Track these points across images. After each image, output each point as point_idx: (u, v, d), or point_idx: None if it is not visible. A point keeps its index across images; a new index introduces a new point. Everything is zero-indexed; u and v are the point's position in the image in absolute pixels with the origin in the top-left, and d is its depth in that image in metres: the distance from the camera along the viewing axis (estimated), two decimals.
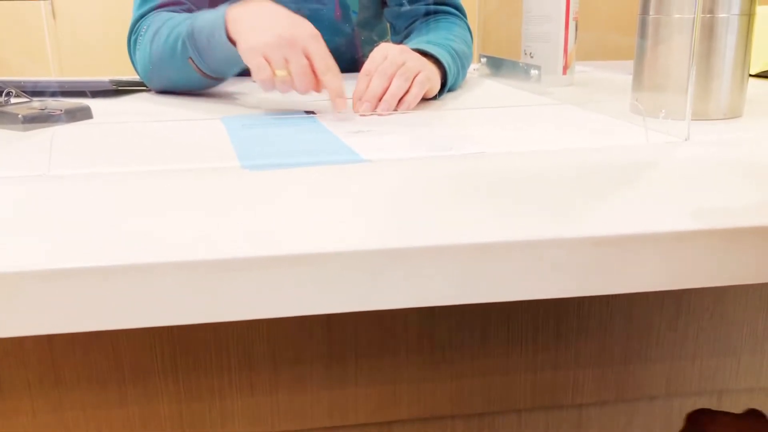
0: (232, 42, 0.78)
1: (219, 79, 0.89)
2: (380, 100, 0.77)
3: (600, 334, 0.65)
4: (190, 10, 0.95)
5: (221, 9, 0.80)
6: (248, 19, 0.77)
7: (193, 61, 0.84)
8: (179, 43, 0.84)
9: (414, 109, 0.79)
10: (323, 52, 0.74)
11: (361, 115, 0.76)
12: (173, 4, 0.94)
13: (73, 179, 0.52)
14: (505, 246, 0.39)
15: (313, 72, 0.74)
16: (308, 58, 0.74)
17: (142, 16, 0.94)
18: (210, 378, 0.61)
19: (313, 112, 0.78)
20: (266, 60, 0.73)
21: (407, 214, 0.43)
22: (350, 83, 0.92)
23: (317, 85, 0.75)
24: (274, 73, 0.73)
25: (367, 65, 0.80)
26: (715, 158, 0.56)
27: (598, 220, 0.41)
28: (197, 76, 0.86)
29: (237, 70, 0.84)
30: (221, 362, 0.61)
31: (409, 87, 0.79)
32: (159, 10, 0.94)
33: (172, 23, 0.87)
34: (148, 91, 0.97)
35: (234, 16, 0.78)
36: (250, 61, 0.74)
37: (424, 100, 0.84)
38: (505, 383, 0.65)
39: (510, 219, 0.42)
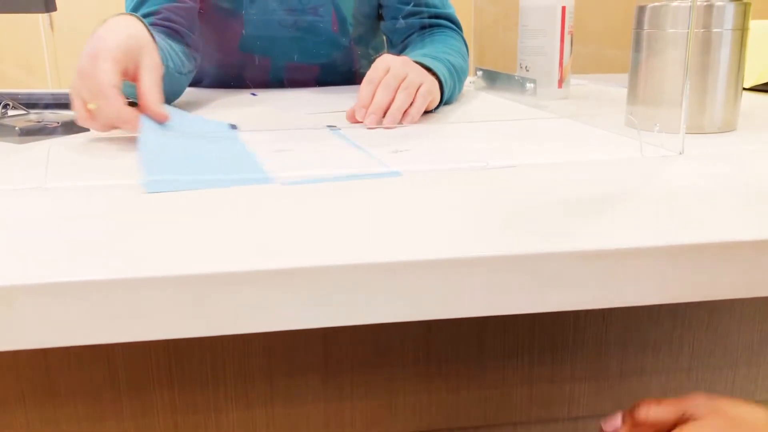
0: None
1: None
2: (385, 113, 0.78)
3: (596, 347, 0.65)
4: (167, 19, 0.94)
5: None
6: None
7: None
8: None
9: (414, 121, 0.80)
10: (97, 74, 0.65)
11: (368, 128, 0.77)
12: (147, 15, 0.94)
13: (69, 192, 0.52)
14: (501, 260, 0.39)
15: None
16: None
17: None
18: (206, 390, 0.61)
19: (336, 126, 0.79)
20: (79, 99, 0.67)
21: (402, 228, 0.43)
22: (347, 96, 0.93)
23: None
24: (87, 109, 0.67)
25: (371, 74, 0.81)
26: (709, 172, 0.56)
27: (593, 234, 0.41)
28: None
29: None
30: (217, 375, 0.61)
31: (413, 100, 0.80)
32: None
33: None
34: None
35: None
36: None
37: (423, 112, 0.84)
38: (502, 396, 0.65)
39: (505, 233, 0.42)
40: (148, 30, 0.75)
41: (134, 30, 0.71)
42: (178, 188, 0.52)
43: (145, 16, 0.94)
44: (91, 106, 0.65)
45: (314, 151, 0.66)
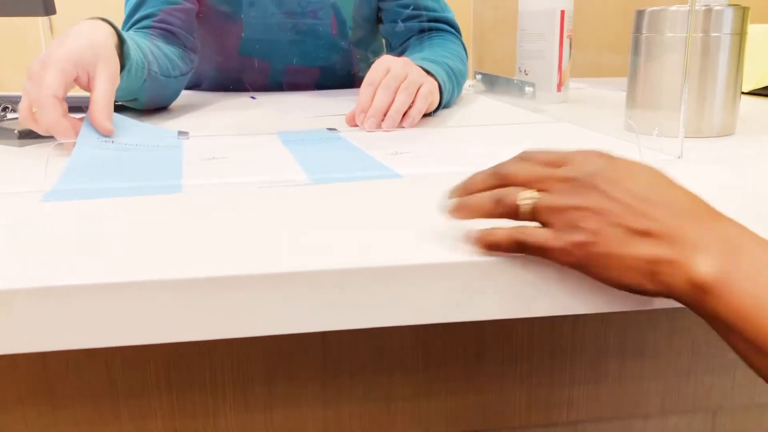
0: None
1: (136, 101, 0.86)
2: (385, 114, 0.77)
3: (594, 351, 0.65)
4: (163, 21, 0.95)
5: None
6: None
7: None
8: None
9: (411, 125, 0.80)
10: (43, 81, 0.65)
11: (367, 131, 0.76)
12: (144, 18, 0.94)
13: (68, 195, 0.52)
14: (499, 264, 0.39)
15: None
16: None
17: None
18: (204, 395, 0.61)
19: (335, 129, 0.78)
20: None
21: (400, 231, 0.43)
22: (346, 99, 0.93)
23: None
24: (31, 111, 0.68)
25: (370, 75, 0.80)
26: (707, 176, 0.56)
27: None
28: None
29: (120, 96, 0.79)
30: (215, 379, 0.61)
31: (413, 101, 0.79)
32: (133, 28, 0.94)
33: None
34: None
35: None
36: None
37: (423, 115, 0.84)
38: (500, 400, 0.65)
39: None
40: (119, 35, 0.74)
41: (95, 38, 0.70)
42: (80, 197, 0.51)
43: (142, 18, 0.94)
44: (34, 109, 0.66)
45: (248, 159, 0.64)
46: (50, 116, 0.65)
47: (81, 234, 0.44)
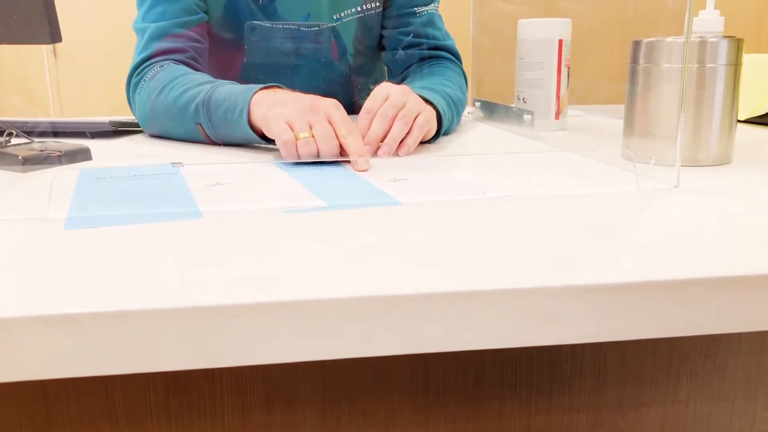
0: (252, 125, 0.80)
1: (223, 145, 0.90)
2: (381, 142, 0.78)
3: (594, 377, 0.65)
4: (194, 59, 0.97)
5: (246, 89, 0.82)
6: (273, 99, 0.79)
7: (201, 126, 0.85)
8: (192, 107, 0.85)
9: (411, 153, 0.80)
10: (345, 119, 0.75)
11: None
12: (176, 51, 0.96)
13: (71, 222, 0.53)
14: (498, 294, 0.39)
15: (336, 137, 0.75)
16: (331, 125, 0.75)
17: (146, 60, 0.95)
18: (203, 420, 0.61)
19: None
20: (289, 126, 0.74)
21: (400, 260, 0.44)
22: None
23: (340, 149, 0.75)
24: (296, 138, 0.74)
25: (368, 103, 0.81)
26: (704, 206, 0.57)
27: (589, 268, 0.42)
28: (201, 137, 0.88)
29: (245, 143, 0.86)
30: (215, 404, 0.61)
31: (409, 130, 0.80)
32: (163, 56, 0.96)
33: (187, 82, 0.88)
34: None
35: (259, 98, 0.80)
36: (273, 127, 0.75)
37: (421, 143, 0.85)
38: (500, 427, 0.65)
39: (503, 266, 0.42)
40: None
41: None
42: (101, 224, 0.52)
43: (172, 51, 0.96)
44: (303, 134, 0.73)
45: (251, 184, 0.65)
46: (360, 140, 0.75)
47: (81, 261, 0.44)
